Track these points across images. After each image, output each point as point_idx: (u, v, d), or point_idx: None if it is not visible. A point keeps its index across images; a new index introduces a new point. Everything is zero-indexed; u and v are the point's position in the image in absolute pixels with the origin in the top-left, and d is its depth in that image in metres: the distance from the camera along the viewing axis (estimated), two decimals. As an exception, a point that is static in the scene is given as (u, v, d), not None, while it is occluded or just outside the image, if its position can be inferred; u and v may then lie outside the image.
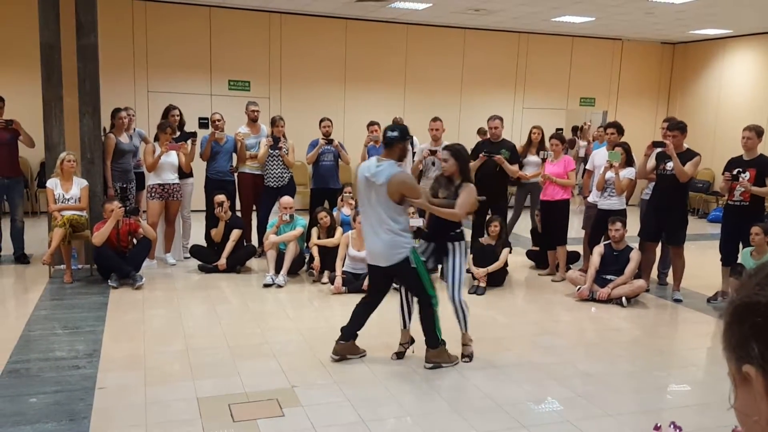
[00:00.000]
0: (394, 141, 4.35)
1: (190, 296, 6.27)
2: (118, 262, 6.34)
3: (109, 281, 6.33)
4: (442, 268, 4.75)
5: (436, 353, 4.53)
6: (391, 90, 11.90)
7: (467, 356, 4.72)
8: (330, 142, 7.72)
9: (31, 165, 9.79)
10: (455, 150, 4.72)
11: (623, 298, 6.26)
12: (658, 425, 0.92)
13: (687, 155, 6.31)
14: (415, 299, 4.58)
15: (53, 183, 6.58)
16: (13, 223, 7.11)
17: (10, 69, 9.53)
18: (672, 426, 0.90)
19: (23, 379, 4.13)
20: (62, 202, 6.57)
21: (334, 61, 11.57)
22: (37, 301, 5.78)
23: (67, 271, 6.46)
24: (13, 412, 3.65)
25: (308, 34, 11.33)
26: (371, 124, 8.12)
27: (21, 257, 7.11)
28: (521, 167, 7.33)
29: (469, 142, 11.60)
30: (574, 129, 14.58)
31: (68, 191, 6.59)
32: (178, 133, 7.41)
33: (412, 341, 4.77)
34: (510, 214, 8.02)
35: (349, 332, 4.62)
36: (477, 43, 12.32)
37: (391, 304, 6.12)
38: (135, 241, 6.62)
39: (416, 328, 4.63)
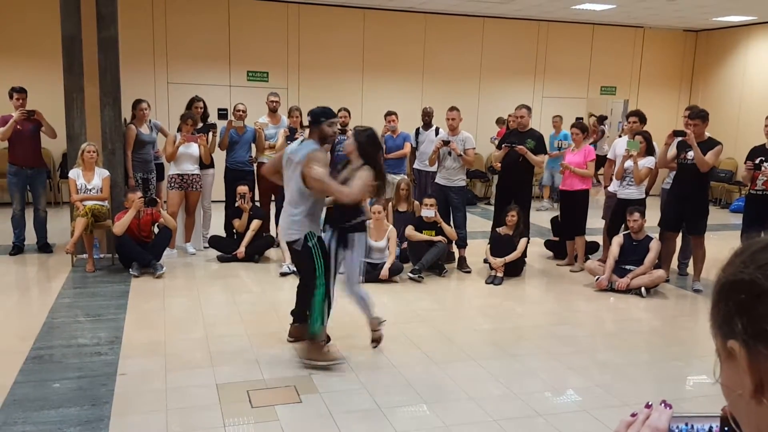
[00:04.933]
0: (311, 124, 4.36)
1: (210, 285, 6.33)
2: (139, 251, 6.43)
3: (130, 270, 6.43)
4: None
5: (309, 348, 4.34)
6: (409, 79, 11.87)
7: (376, 341, 4.69)
8: (344, 132, 7.72)
9: (53, 155, 9.93)
10: (358, 134, 4.53)
11: (642, 289, 6.22)
12: (649, 403, 0.93)
13: (708, 144, 6.23)
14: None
15: (75, 173, 6.68)
16: (36, 213, 7.22)
17: (32, 60, 9.66)
18: (663, 404, 0.91)
19: (47, 365, 4.21)
20: (84, 192, 6.66)
21: (353, 50, 11.56)
22: (60, 290, 5.89)
23: (90, 260, 6.56)
24: (38, 396, 3.73)
25: (326, 24, 11.33)
26: (388, 114, 8.12)
27: (44, 246, 7.23)
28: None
29: (488, 131, 11.67)
30: (601, 118, 14.55)
31: (90, 181, 6.69)
32: (200, 125, 7.47)
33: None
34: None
35: (299, 314, 4.68)
36: (496, 31, 12.23)
37: (407, 292, 6.14)
38: (156, 230, 6.71)
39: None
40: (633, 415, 0.93)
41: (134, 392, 3.85)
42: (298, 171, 4.20)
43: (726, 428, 0.89)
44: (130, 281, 6.21)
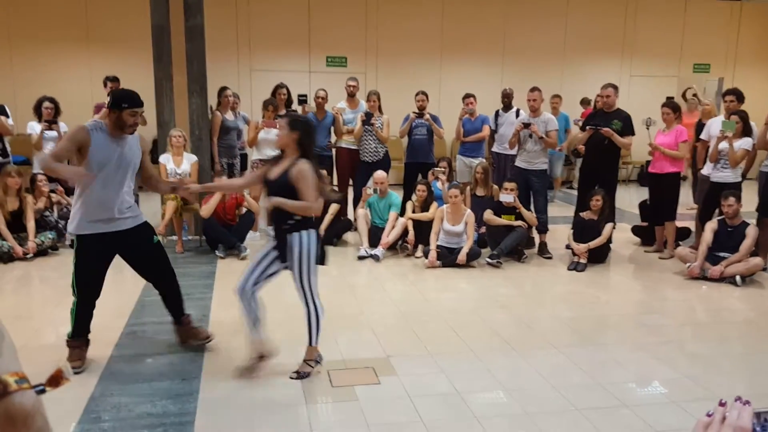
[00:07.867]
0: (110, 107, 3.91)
1: (291, 267, 6.46)
2: (225, 234, 6.65)
3: (216, 251, 6.66)
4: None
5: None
6: (488, 61, 11.65)
7: (300, 373, 3.86)
8: (421, 115, 7.68)
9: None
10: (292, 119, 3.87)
11: (737, 277, 5.88)
12: (723, 401, 0.87)
13: (815, 123, 5.79)
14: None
15: (165, 158, 6.96)
16: (129, 197, 7.58)
17: (125, 50, 10.13)
18: (738, 401, 0.85)
19: (140, 340, 4.44)
20: (174, 176, 6.93)
21: (431, 33, 11.45)
22: (152, 269, 6.16)
23: (179, 242, 6.85)
24: (132, 370, 3.94)
25: (405, 7, 11.27)
26: (466, 96, 8.00)
27: (137, 228, 7.59)
28: None
29: (571, 112, 11.30)
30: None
31: (179, 166, 6.95)
32: (284, 111, 7.64)
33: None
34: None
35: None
36: (581, 7, 11.81)
37: (485, 277, 6.05)
38: (240, 214, 6.92)
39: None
40: (709, 414, 0.87)
41: (221, 368, 4.00)
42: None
43: None
44: (216, 262, 6.44)
